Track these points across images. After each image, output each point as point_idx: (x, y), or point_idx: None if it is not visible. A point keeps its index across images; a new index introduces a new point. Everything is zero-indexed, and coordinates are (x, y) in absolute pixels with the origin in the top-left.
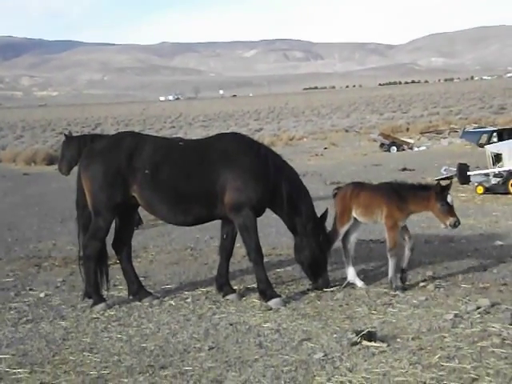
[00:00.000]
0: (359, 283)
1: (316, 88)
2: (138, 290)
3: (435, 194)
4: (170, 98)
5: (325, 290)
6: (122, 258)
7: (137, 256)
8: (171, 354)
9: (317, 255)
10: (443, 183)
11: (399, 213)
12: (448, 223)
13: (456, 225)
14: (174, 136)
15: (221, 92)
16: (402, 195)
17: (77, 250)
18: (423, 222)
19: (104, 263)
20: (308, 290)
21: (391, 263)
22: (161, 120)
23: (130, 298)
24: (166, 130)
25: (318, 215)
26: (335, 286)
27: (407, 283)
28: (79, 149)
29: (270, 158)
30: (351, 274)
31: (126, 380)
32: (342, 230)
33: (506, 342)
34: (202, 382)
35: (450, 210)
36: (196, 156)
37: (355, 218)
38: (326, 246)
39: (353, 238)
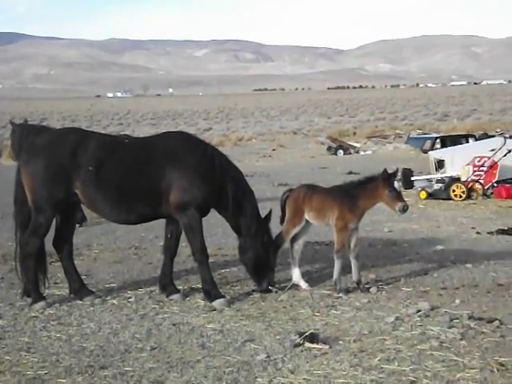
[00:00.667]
0: (303, 285)
1: (266, 90)
2: (79, 289)
3: (382, 181)
4: (119, 94)
5: (269, 291)
6: (63, 256)
7: (80, 254)
8: (112, 354)
9: (261, 256)
10: (389, 171)
11: (350, 215)
12: (397, 208)
13: (405, 209)
14: (122, 133)
15: (170, 90)
16: (352, 196)
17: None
18: (367, 225)
19: (43, 261)
20: (253, 291)
21: (337, 265)
22: (108, 117)
23: (71, 296)
24: (114, 127)
25: (263, 216)
26: (280, 287)
27: (350, 286)
28: (22, 137)
29: (216, 157)
30: (296, 275)
31: (63, 380)
32: (293, 232)
33: (444, 345)
34: (142, 383)
35: (398, 195)
36: (142, 154)
37: (306, 220)
38: (270, 246)
39: (301, 240)
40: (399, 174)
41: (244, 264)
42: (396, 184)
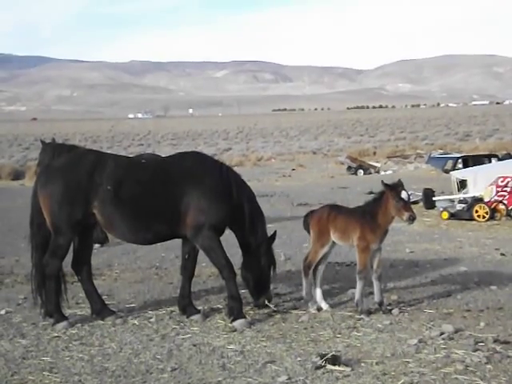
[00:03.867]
0: (324, 306)
1: (285, 110)
2: (100, 309)
3: (389, 192)
4: (140, 115)
5: (266, 306)
6: (83, 278)
7: (101, 274)
8: (133, 374)
9: (265, 274)
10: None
11: (372, 235)
12: (404, 218)
13: (411, 219)
14: (147, 152)
15: (190, 111)
16: (372, 215)
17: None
18: (388, 245)
19: (61, 281)
20: (274, 311)
21: (359, 286)
22: (129, 137)
23: (93, 316)
24: (134, 148)
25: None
26: (300, 308)
27: (371, 307)
28: (53, 156)
29: (231, 177)
30: (318, 295)
31: None
32: (322, 252)
33: (469, 368)
34: None
35: (404, 205)
36: (159, 174)
37: (333, 241)
38: (271, 265)
39: (324, 261)
40: (400, 183)
41: (245, 280)
42: (404, 193)
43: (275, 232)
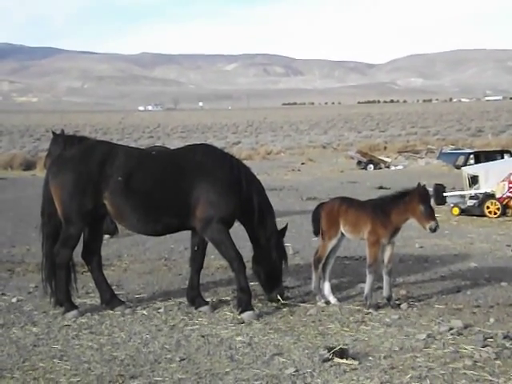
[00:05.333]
0: (332, 300)
1: (295, 104)
2: (110, 299)
3: (418, 196)
4: (150, 108)
5: (278, 300)
6: (93, 268)
7: (111, 264)
8: (142, 364)
9: (276, 268)
10: (427, 187)
11: (383, 230)
12: (428, 226)
13: (436, 229)
14: (156, 144)
15: (200, 104)
16: (385, 210)
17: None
18: (398, 240)
19: (71, 270)
20: (282, 304)
21: (369, 280)
22: (139, 130)
23: (103, 306)
24: (144, 140)
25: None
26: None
27: (379, 301)
28: (65, 147)
29: (241, 170)
30: (327, 289)
31: None
32: (330, 245)
33: (478, 364)
34: None
35: (431, 213)
36: (170, 166)
37: (341, 234)
38: (282, 259)
39: (333, 255)
40: (431, 190)
41: (256, 274)
42: (432, 201)
43: (286, 225)
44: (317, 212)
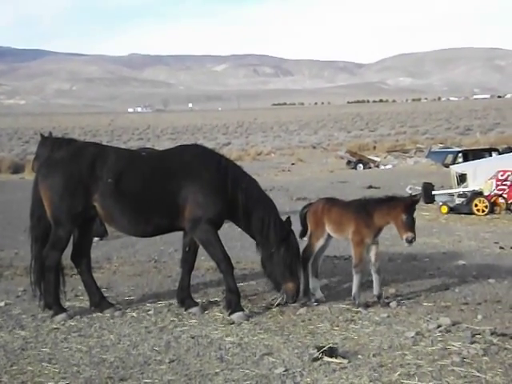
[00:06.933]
0: (318, 295)
1: (285, 104)
2: (99, 302)
3: (404, 204)
4: (139, 109)
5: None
6: (82, 270)
7: (100, 267)
8: (131, 366)
9: (284, 266)
10: (415, 198)
11: (367, 230)
12: (405, 237)
13: (412, 241)
14: (144, 147)
15: (190, 105)
16: (368, 211)
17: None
18: (387, 239)
19: (60, 273)
20: (271, 304)
21: (355, 280)
22: (129, 132)
23: (92, 308)
24: (134, 142)
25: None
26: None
27: (369, 300)
28: (52, 149)
29: (229, 170)
30: (314, 284)
31: None
32: (317, 245)
33: (466, 360)
34: None
35: (412, 225)
36: (159, 167)
37: (328, 234)
38: (293, 256)
39: (321, 253)
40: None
41: (267, 277)
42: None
43: (288, 218)
44: (303, 213)
